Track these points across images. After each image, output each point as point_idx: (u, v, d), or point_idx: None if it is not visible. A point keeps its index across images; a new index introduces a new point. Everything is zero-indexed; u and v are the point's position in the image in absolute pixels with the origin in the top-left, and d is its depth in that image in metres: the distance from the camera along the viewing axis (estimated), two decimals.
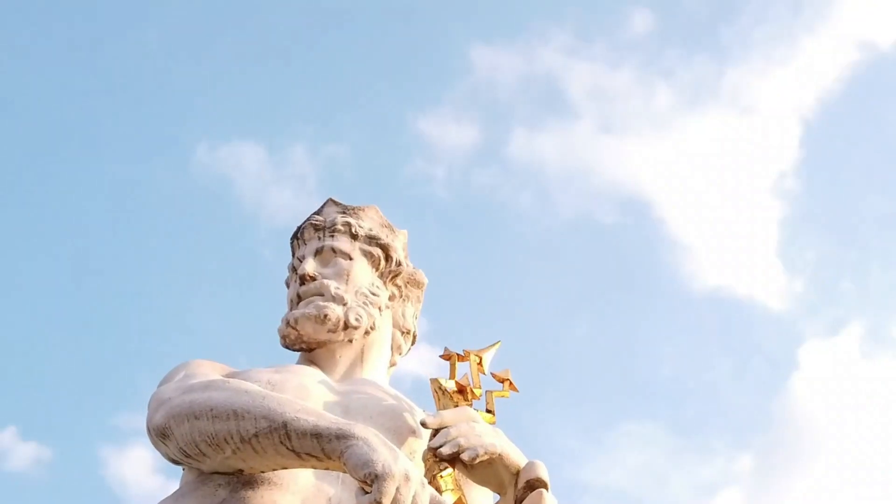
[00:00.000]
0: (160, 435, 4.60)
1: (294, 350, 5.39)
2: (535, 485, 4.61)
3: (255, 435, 4.35)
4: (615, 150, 20.46)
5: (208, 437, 4.43)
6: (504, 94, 20.36)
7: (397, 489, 4.06)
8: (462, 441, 4.55)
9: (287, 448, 4.32)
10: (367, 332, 5.33)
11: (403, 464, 4.17)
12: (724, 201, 20.60)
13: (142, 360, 18.74)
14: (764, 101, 20.78)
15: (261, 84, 19.60)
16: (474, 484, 4.82)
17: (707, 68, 20.50)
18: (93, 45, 19.29)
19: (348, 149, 19.59)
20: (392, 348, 5.53)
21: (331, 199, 5.68)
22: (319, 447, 4.26)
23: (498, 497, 4.76)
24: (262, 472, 4.51)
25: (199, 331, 18.50)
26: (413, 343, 5.69)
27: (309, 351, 5.34)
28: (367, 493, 4.09)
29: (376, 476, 4.06)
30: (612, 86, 20.22)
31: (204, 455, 4.49)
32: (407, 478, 4.10)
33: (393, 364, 5.57)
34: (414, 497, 4.11)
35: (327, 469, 4.38)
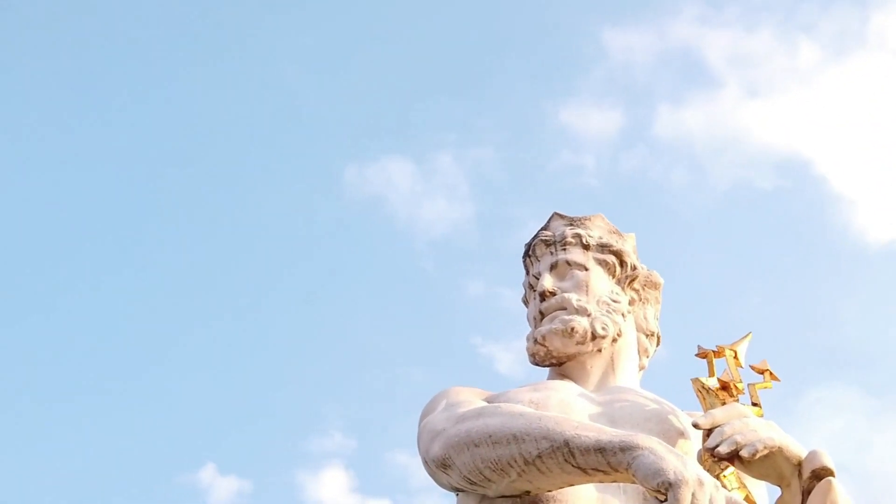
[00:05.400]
0: (441, 465, 4.71)
1: (544, 366, 5.46)
2: (821, 474, 4.55)
3: (539, 456, 4.43)
4: (764, 113, 19.94)
5: (492, 462, 4.53)
6: (642, 73, 20.09)
7: (693, 494, 4.09)
8: (739, 438, 4.53)
9: (572, 465, 4.39)
10: (614, 340, 5.37)
11: (694, 468, 4.18)
12: (886, 150, 19.86)
13: (321, 383, 19.28)
14: None
15: (400, 98, 19.85)
16: (749, 479, 4.79)
17: (849, 15, 19.81)
18: (236, 82, 19.87)
19: (493, 150, 19.66)
20: (639, 352, 5.56)
21: (556, 213, 5.74)
22: (605, 461, 4.32)
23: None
24: (549, 490, 4.59)
25: (370, 349, 18.92)
26: (658, 345, 5.69)
27: (559, 365, 5.41)
28: (662, 501, 4.13)
29: (670, 484, 4.09)
30: (752, 48, 19.74)
31: (489, 481, 4.59)
32: (700, 482, 4.12)
33: (642, 368, 5.59)
34: (711, 500, 4.13)
35: (614, 482, 4.43)
